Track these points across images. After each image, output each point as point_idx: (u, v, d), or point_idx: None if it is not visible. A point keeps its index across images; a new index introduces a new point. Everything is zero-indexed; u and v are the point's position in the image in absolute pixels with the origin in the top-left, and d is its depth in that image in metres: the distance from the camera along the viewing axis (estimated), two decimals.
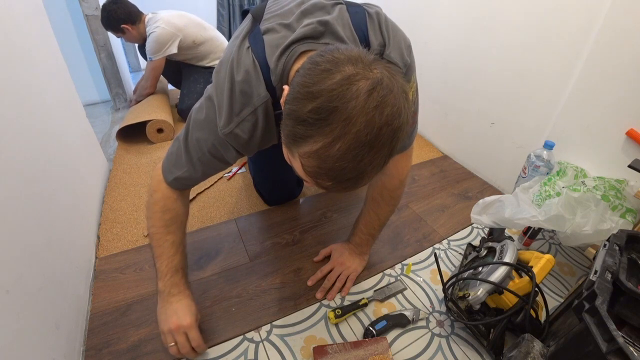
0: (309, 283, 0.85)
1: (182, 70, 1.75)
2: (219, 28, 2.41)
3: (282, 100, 0.46)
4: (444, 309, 0.81)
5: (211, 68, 1.73)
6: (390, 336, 0.74)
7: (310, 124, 0.38)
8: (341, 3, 0.61)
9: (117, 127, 1.47)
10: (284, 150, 0.46)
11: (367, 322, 0.76)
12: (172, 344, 0.64)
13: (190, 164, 0.65)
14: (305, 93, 0.39)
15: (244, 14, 0.73)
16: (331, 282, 0.84)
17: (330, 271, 0.87)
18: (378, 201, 0.82)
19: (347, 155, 0.38)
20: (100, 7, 1.53)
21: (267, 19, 0.59)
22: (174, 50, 1.56)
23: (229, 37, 2.45)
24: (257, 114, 0.58)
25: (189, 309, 0.66)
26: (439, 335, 0.76)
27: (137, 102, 1.69)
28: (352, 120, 0.37)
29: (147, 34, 1.55)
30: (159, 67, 1.62)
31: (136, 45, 1.86)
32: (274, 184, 1.11)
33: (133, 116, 1.49)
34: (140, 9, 1.59)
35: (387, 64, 0.42)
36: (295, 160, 0.43)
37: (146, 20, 1.57)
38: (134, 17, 1.55)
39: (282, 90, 0.46)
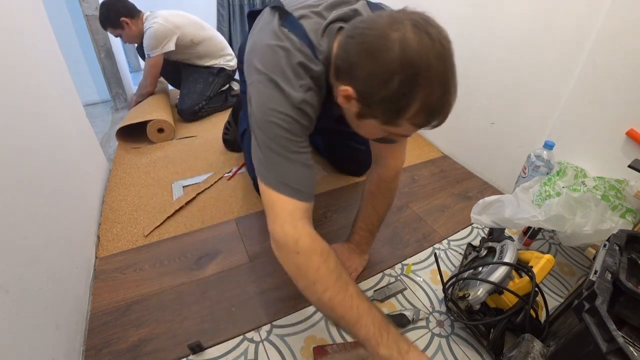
0: None
1: (181, 71, 1.75)
2: (219, 28, 2.41)
3: (345, 97, 0.53)
4: (444, 309, 0.81)
5: (210, 67, 1.73)
6: None
7: (406, 94, 0.47)
8: None
9: (117, 127, 1.47)
10: (380, 129, 0.55)
11: None
12: None
13: (296, 163, 0.57)
14: (383, 78, 0.47)
15: (250, 15, 0.76)
16: None
17: None
18: (375, 194, 0.83)
19: (444, 94, 0.48)
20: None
21: (295, 10, 0.62)
22: (171, 47, 1.56)
23: (229, 37, 2.45)
24: (318, 85, 0.59)
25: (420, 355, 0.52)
26: (439, 335, 0.76)
27: (137, 102, 1.69)
28: (430, 67, 0.46)
29: (145, 29, 1.54)
30: (157, 64, 1.61)
31: (135, 46, 1.86)
32: None
33: (133, 116, 1.49)
34: (139, 8, 1.58)
35: (395, 13, 0.50)
36: (401, 127, 0.52)
37: (144, 17, 1.57)
38: (133, 12, 1.55)
39: (334, 74, 0.56)
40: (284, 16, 0.60)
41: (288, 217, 0.55)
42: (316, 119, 0.61)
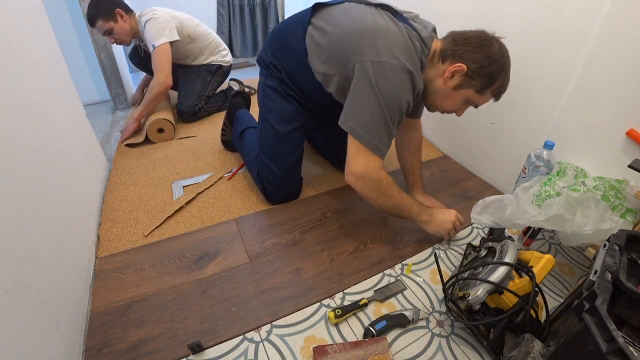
0: (456, 228, 0.99)
1: (177, 72, 1.73)
2: (219, 28, 2.41)
3: (453, 71, 0.80)
4: (444, 309, 0.81)
5: (206, 65, 1.73)
6: (390, 336, 0.74)
7: (498, 73, 0.80)
8: None
9: (117, 128, 1.47)
10: (464, 99, 0.85)
11: (367, 322, 0.76)
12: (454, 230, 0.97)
13: (390, 126, 0.82)
14: (490, 60, 0.78)
15: (316, 6, 0.91)
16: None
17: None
18: (420, 148, 1.14)
19: (508, 79, 0.83)
20: None
21: (399, 14, 0.86)
22: (175, 36, 1.52)
23: (228, 37, 2.45)
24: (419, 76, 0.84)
25: (444, 209, 0.99)
26: (439, 335, 0.76)
27: (149, 110, 1.51)
28: (507, 58, 0.81)
29: (142, 24, 1.49)
30: (167, 50, 1.48)
31: (128, 52, 1.84)
32: (286, 177, 1.10)
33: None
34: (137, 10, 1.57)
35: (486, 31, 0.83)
36: (484, 96, 0.83)
37: (137, 16, 1.53)
38: (127, 7, 1.51)
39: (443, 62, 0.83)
40: (396, 14, 0.84)
41: (376, 168, 0.85)
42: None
